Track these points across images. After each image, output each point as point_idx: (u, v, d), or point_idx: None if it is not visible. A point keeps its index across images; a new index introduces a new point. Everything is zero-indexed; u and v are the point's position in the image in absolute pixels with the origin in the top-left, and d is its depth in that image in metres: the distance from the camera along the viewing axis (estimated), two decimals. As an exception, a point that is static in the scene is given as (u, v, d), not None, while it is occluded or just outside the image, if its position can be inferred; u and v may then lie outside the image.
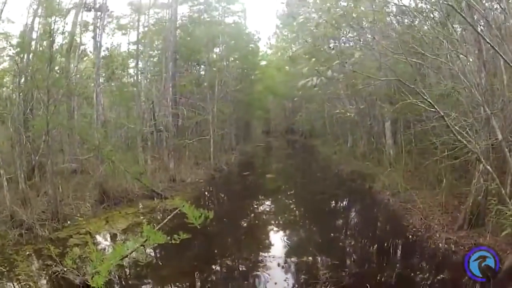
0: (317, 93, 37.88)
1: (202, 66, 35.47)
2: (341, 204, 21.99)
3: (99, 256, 9.81)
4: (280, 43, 56.29)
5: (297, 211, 20.21)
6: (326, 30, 17.59)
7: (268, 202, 22.12)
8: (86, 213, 17.29)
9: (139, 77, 30.00)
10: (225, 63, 36.19)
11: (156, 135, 27.04)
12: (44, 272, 11.52)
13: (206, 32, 30.65)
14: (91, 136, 20.56)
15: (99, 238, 15.13)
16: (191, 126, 30.45)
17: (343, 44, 26.07)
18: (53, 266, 11.03)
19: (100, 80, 26.57)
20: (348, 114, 21.51)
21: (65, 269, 10.38)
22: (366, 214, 18.86)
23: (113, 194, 18.91)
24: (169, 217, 11.03)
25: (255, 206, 20.90)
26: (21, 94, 19.44)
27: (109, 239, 15.17)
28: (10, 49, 21.60)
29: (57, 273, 10.66)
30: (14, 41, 20.95)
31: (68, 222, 16.12)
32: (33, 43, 20.20)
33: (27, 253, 13.21)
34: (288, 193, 24.94)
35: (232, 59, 38.84)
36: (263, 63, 53.79)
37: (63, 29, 21.86)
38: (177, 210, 10.10)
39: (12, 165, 17.72)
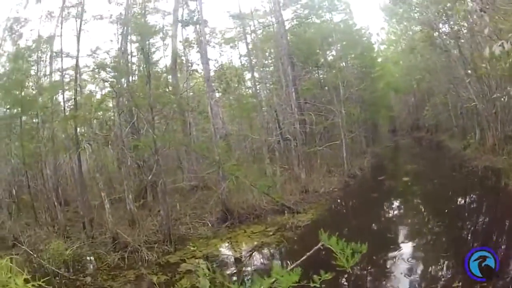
0: (439, 84, 36.41)
1: (320, 68, 33.37)
2: (486, 210, 17.29)
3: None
4: (390, 36, 53.32)
5: (444, 222, 15.71)
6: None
7: (413, 212, 18.12)
8: (205, 234, 15.39)
9: (257, 87, 28.83)
10: (343, 63, 34.09)
11: (283, 144, 24.97)
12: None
13: (318, 32, 29.04)
14: (211, 151, 19.18)
15: (216, 264, 12.82)
16: (319, 131, 28.11)
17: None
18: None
19: (216, 94, 25.68)
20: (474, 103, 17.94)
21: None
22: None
23: (238, 211, 16.82)
24: (308, 253, 8.19)
25: (402, 219, 17.22)
26: (121, 115, 19.01)
27: (230, 265, 12.95)
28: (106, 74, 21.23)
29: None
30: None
31: (183, 244, 14.56)
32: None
33: (127, 279, 11.96)
34: (429, 198, 20.38)
35: (349, 58, 36.78)
36: (379, 59, 50.91)
37: (164, 47, 22.19)
38: (319, 245, 7.24)
39: (121, 186, 17.17)
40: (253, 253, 13.45)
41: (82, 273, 13.27)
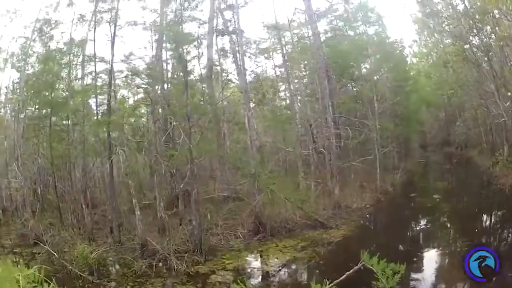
0: (470, 99, 36.27)
1: (355, 82, 33.00)
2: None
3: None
4: (422, 49, 52.59)
5: (472, 241, 15.21)
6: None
7: (442, 231, 18.06)
8: (236, 246, 15.09)
9: (292, 99, 28.35)
10: (376, 76, 33.41)
11: (317, 158, 24.56)
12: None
13: (354, 45, 28.62)
14: (246, 162, 18.87)
15: (247, 277, 12.56)
16: (353, 146, 27.61)
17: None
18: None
19: (251, 105, 25.20)
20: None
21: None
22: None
23: (271, 224, 16.43)
24: (348, 272, 7.86)
25: (431, 238, 16.82)
26: (156, 123, 18.91)
27: (260, 279, 12.70)
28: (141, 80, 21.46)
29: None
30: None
31: (214, 255, 14.31)
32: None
33: (154, 287, 11.93)
34: (458, 217, 20.12)
35: (382, 71, 35.86)
36: (412, 73, 49.81)
37: (199, 56, 22.00)
38: (360, 265, 6.91)
39: (151, 193, 17.30)
40: (285, 268, 13.20)
41: (107, 278, 13.18)
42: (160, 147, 17.75)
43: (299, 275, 12.66)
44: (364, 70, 32.94)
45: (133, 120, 22.02)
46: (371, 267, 6.30)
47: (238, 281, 7.99)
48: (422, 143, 63.88)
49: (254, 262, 13.90)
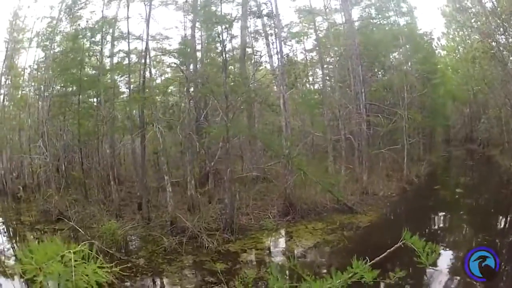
0: (495, 96, 36.20)
1: (386, 71, 32.84)
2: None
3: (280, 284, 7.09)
4: (450, 42, 51.62)
5: (490, 236, 15.10)
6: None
7: (464, 223, 17.88)
8: (266, 226, 15.11)
9: (325, 84, 28.03)
10: (406, 67, 32.96)
11: (346, 144, 24.37)
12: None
13: (387, 34, 28.47)
14: (278, 144, 18.76)
15: (278, 256, 12.77)
16: (382, 134, 27.39)
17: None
18: (215, 285, 9.43)
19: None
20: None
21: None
22: None
23: (301, 206, 16.47)
24: (389, 250, 7.85)
25: (453, 229, 16.90)
26: (191, 101, 18.95)
27: (291, 259, 12.44)
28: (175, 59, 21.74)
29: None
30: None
31: (244, 234, 14.33)
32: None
33: (184, 264, 11.85)
34: (479, 212, 20.13)
35: (411, 63, 35.11)
36: (440, 66, 49.29)
37: (231, 38, 21.41)
38: (400, 243, 6.93)
39: (181, 170, 17.30)
40: (314, 249, 13.23)
41: (135, 254, 13.25)
42: (192, 125, 17.80)
43: (328, 256, 12.65)
44: (393, 60, 32.82)
45: (164, 99, 22.10)
46: (412, 245, 6.45)
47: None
48: (446, 137, 63.24)
49: (284, 242, 13.98)
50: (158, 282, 11.24)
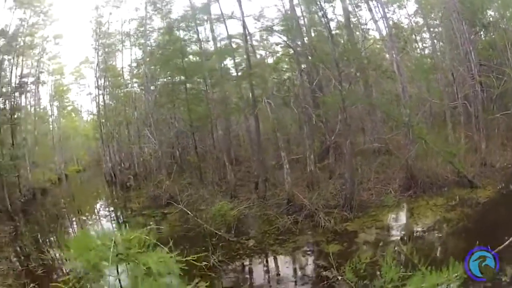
0: None
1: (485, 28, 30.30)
2: None
3: (393, 273, 6.69)
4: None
5: None
6: None
7: None
8: (386, 202, 14.45)
9: (434, 47, 26.35)
10: (502, 24, 29.93)
11: (463, 111, 22.58)
12: (311, 274, 9.60)
13: None
14: (398, 112, 17.71)
15: (397, 237, 11.99)
16: (494, 97, 25.08)
17: None
18: (324, 270, 9.13)
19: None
20: None
21: (339, 277, 8.23)
22: None
23: (422, 179, 15.48)
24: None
25: None
26: (302, 73, 18.72)
27: (411, 239, 11.80)
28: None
29: (327, 281, 8.58)
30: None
31: (363, 211, 13.83)
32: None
33: (296, 245, 11.57)
34: None
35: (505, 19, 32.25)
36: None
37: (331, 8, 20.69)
38: None
39: (301, 146, 17.15)
40: (435, 230, 12.38)
41: (245, 235, 13.22)
42: (308, 98, 17.56)
43: (447, 238, 11.66)
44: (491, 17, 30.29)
45: (276, 76, 22.20)
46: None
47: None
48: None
49: (405, 221, 13.34)
50: (263, 265, 11.03)
